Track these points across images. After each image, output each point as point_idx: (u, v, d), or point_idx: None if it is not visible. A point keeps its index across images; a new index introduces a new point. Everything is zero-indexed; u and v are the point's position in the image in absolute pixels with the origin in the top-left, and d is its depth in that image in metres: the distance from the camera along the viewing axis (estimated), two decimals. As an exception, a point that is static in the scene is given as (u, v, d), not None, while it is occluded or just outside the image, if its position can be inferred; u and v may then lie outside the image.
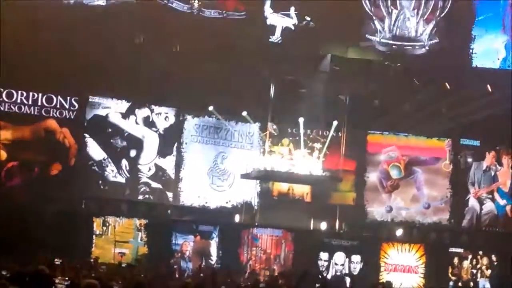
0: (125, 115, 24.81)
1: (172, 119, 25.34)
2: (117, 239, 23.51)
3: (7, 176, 23.46)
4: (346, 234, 25.30)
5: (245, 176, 24.52)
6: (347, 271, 24.83)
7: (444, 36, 25.95)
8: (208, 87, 24.06)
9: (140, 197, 24.88)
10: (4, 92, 23.76)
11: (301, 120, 23.98)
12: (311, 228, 25.20)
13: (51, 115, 24.06)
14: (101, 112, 24.60)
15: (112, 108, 24.69)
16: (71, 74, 22.70)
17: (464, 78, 25.73)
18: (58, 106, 24.19)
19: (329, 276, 24.19)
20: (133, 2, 23.97)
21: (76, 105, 24.32)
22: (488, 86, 25.26)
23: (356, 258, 24.93)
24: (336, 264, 24.86)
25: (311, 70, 25.63)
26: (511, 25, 26.29)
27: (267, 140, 24.98)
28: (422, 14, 26.03)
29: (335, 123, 24.45)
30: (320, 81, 25.54)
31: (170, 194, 25.15)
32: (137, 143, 24.89)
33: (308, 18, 24.79)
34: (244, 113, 24.52)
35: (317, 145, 24.68)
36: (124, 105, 24.81)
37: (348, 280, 24.08)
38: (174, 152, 25.24)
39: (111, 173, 24.51)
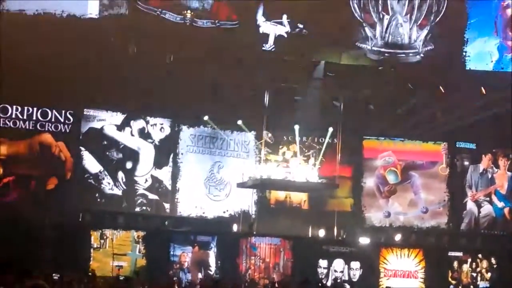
0: (120, 127, 24.81)
1: (167, 130, 25.35)
2: (115, 252, 23.43)
3: (4, 192, 23.40)
4: (344, 241, 25.26)
5: (242, 185, 24.50)
6: (346, 278, 24.79)
7: (437, 40, 25.89)
8: (203, 96, 24.07)
9: (137, 209, 24.85)
10: (-1, 108, 23.79)
11: (296, 127, 23.97)
12: (310, 235, 25.15)
13: (46, 129, 24.06)
14: (96, 124, 24.59)
15: (107, 121, 24.70)
16: (65, 87, 22.67)
17: (458, 81, 25.70)
18: (53, 120, 24.18)
19: (328, 284, 24.15)
20: (126, 14, 23.94)
21: (71, 118, 24.32)
22: (482, 89, 25.23)
23: (356, 264, 24.89)
24: (335, 271, 24.81)
25: (305, 77, 25.63)
26: (503, 27, 26.30)
27: (263, 148, 24.95)
28: (415, 20, 25.81)
29: (330, 129, 24.44)
30: (314, 88, 25.53)
31: (167, 205, 25.14)
32: (133, 155, 24.87)
33: (301, 26, 24.77)
34: (239, 122, 24.51)
35: (313, 152, 24.66)
36: (119, 117, 24.82)
37: (348, 287, 24.05)
38: (170, 163, 25.23)
39: (108, 185, 24.48)
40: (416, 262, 25.24)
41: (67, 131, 24.27)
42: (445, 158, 26.79)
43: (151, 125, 25.14)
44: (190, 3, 24.52)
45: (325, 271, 24.64)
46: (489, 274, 25.49)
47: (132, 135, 24.93)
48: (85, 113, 24.49)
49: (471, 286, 25.52)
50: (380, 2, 25.32)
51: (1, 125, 23.76)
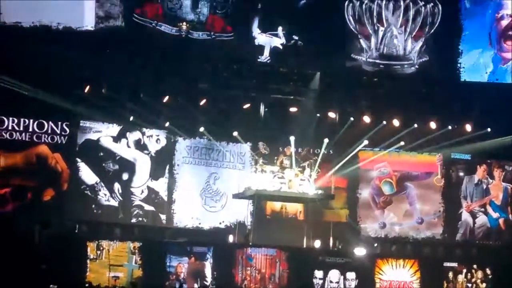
0: (116, 139, 24.85)
1: (163, 141, 25.40)
2: (112, 263, 23.41)
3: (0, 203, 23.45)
4: (340, 251, 25.27)
5: (237, 196, 24.58)
6: (342, 289, 24.82)
7: (432, 52, 26.03)
8: (198, 108, 24.17)
9: (134, 220, 24.87)
10: (-5, 120, 23.87)
11: (292, 138, 24.06)
12: (305, 246, 25.17)
13: (42, 140, 24.06)
14: (92, 136, 24.64)
15: (103, 132, 24.74)
16: (61, 99, 22.81)
17: (453, 92, 25.85)
18: (49, 131, 24.21)
19: (324, 294, 24.18)
20: (122, 26, 24.09)
21: (68, 130, 24.35)
22: (477, 100, 25.39)
23: (351, 275, 24.86)
24: (331, 281, 24.77)
25: (300, 88, 25.78)
26: (497, 38, 26.47)
27: (259, 159, 25.04)
28: (410, 31, 25.98)
29: (326, 140, 24.55)
30: (310, 99, 25.66)
31: (163, 216, 25.15)
32: (129, 166, 24.91)
33: (296, 37, 24.94)
34: (235, 133, 24.59)
35: (309, 163, 24.75)
36: (115, 128, 24.86)
37: (343, 297, 24.08)
38: (166, 174, 25.27)
39: (104, 197, 24.51)
40: (412, 272, 25.22)
41: (64, 142, 24.29)
42: (440, 169, 26.86)
43: (147, 137, 25.19)
44: (185, 15, 24.72)
45: (320, 281, 24.59)
46: (484, 285, 25.47)
47: (128, 146, 24.98)
48: (81, 124, 24.52)
49: (467, 297, 25.56)
50: (374, 14, 25.52)
51: (-3, 137, 23.83)
